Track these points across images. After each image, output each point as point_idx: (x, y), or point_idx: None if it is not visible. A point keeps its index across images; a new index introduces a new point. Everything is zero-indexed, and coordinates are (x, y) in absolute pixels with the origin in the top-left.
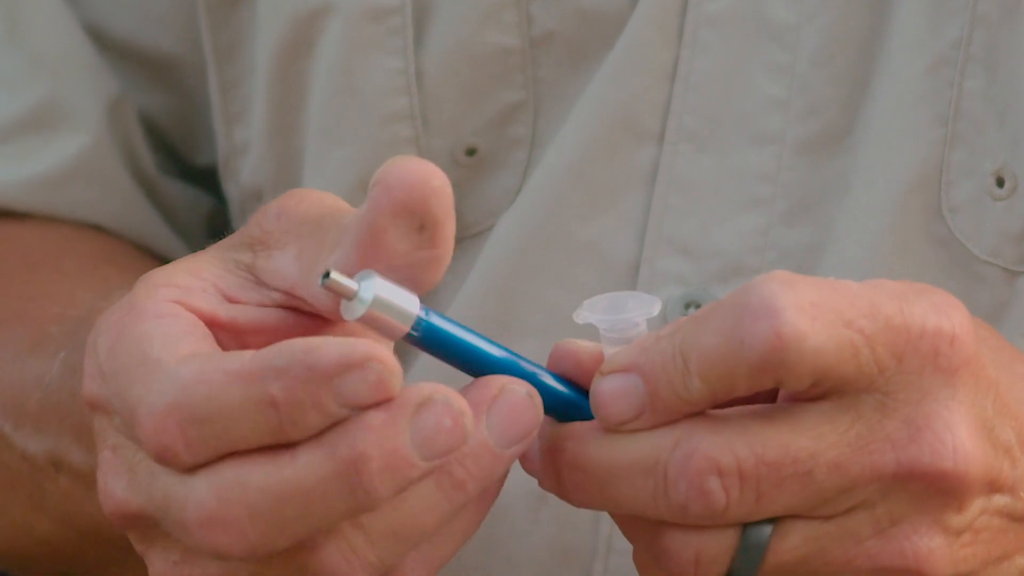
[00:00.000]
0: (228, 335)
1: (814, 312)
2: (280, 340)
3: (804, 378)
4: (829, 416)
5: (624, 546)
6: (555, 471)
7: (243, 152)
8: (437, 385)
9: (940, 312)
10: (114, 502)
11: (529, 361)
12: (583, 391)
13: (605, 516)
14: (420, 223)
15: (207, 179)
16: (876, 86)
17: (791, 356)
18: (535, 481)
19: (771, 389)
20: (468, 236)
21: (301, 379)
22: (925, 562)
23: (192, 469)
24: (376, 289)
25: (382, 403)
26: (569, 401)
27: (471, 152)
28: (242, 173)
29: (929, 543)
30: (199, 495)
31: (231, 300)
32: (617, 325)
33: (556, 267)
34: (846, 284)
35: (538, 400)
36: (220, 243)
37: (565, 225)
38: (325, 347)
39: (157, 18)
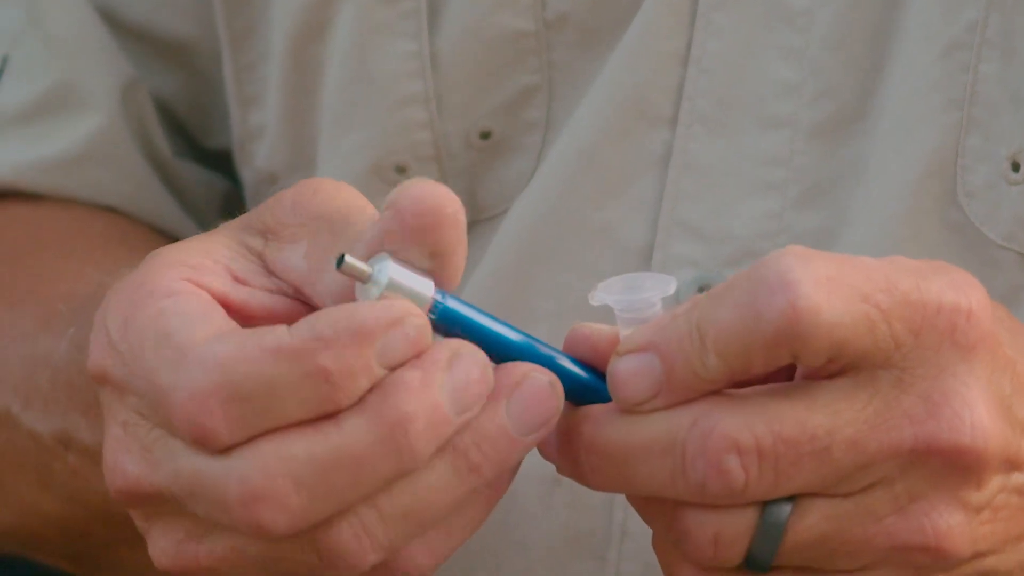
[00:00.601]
0: (238, 318)
1: (830, 286)
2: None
3: (820, 352)
4: (846, 393)
5: (638, 531)
6: (572, 455)
7: (258, 136)
8: (458, 340)
9: (957, 288)
10: (124, 479)
11: (546, 345)
12: (600, 374)
13: (619, 500)
14: (430, 251)
15: (221, 162)
16: (890, 70)
17: (807, 329)
18: (548, 465)
19: (788, 370)
20: (482, 220)
21: (350, 345)
22: (945, 539)
23: (227, 449)
24: (390, 272)
25: (416, 358)
26: (586, 384)
27: (485, 135)
28: (257, 157)
29: (948, 520)
30: (242, 472)
31: (241, 283)
32: (633, 305)
33: (569, 251)
34: (863, 259)
35: (559, 389)
36: (231, 223)
37: (578, 209)
38: (365, 309)
39: (171, 2)
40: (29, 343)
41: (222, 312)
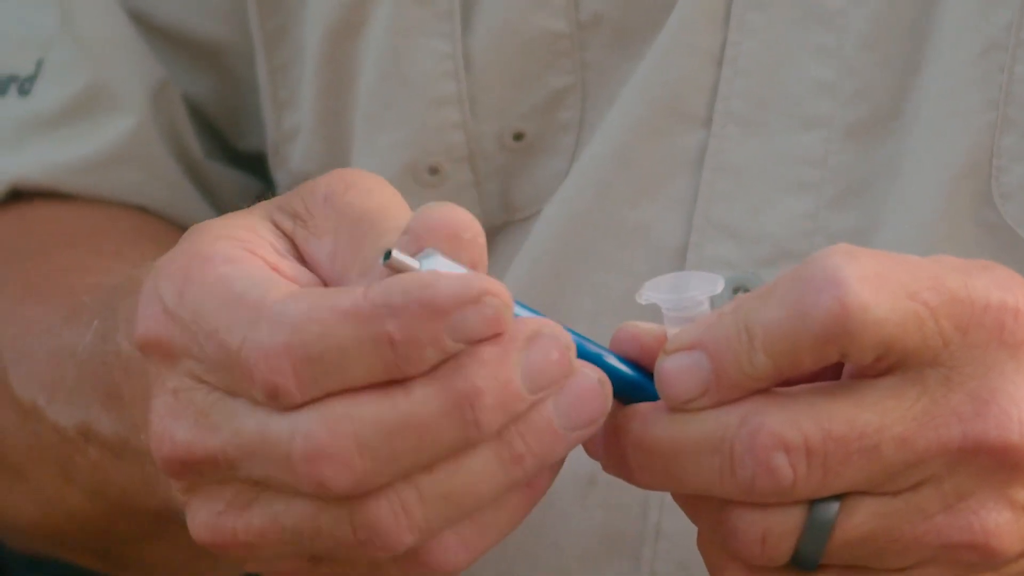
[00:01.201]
0: None
1: (878, 283)
2: None
3: (868, 350)
4: (894, 391)
5: (673, 531)
6: (620, 453)
7: (292, 138)
8: (543, 319)
9: (1004, 287)
10: (172, 446)
11: (594, 343)
12: (647, 373)
13: (654, 501)
14: None
15: (254, 164)
16: (925, 70)
17: (855, 326)
18: (584, 466)
19: (835, 369)
20: (516, 221)
21: (418, 316)
22: (993, 536)
23: (297, 407)
24: (438, 267)
25: (496, 336)
26: (633, 383)
27: (519, 137)
28: (292, 159)
29: (997, 518)
30: (308, 429)
31: (284, 258)
32: (681, 304)
33: (604, 251)
34: (909, 257)
35: (608, 388)
36: (264, 203)
37: (613, 209)
38: (441, 283)
39: (203, 4)
40: (55, 336)
41: (282, 278)
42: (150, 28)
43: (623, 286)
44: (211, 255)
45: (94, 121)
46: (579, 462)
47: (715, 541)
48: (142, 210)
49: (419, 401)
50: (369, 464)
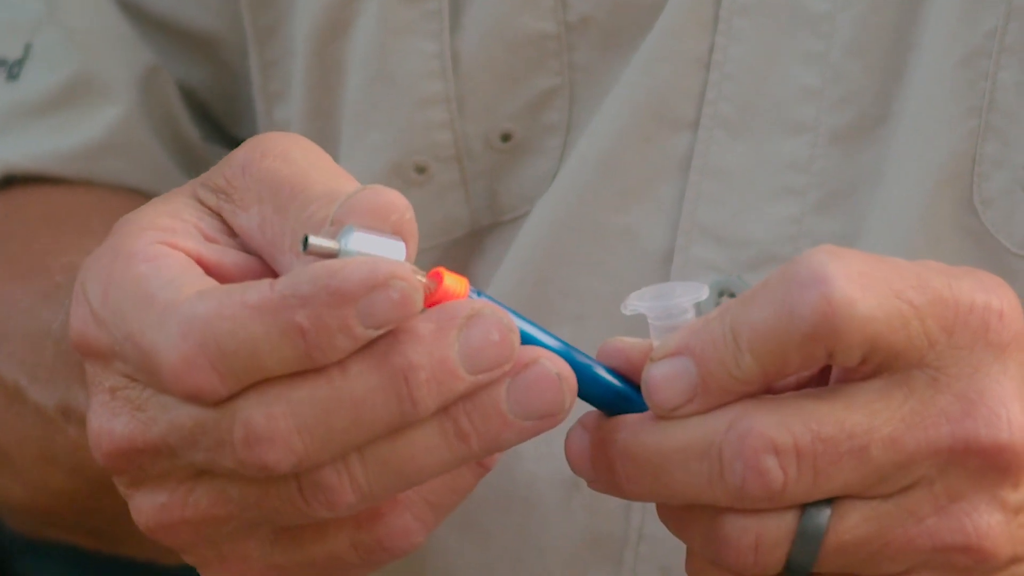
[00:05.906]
0: (215, 276)
1: (863, 281)
2: None
3: (855, 347)
4: (882, 393)
5: (655, 534)
6: (607, 464)
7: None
8: (487, 301)
9: (987, 289)
10: (111, 441)
11: (584, 354)
12: (635, 386)
13: (637, 504)
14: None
15: None
16: (910, 76)
17: (841, 323)
18: (567, 469)
19: (821, 379)
20: (503, 222)
21: (327, 304)
22: (986, 538)
23: (225, 400)
24: (353, 244)
25: (435, 311)
26: (621, 394)
27: (506, 137)
28: None
29: (989, 519)
30: (246, 416)
31: (212, 241)
32: (666, 311)
33: (590, 254)
34: (893, 259)
35: (569, 384)
36: (191, 181)
37: (599, 212)
38: (348, 269)
39: None
40: (34, 317)
41: (200, 271)
42: (143, 18)
43: (609, 289)
44: (133, 253)
45: (82, 110)
46: (562, 466)
47: (706, 557)
48: (134, 192)
49: (355, 377)
50: (309, 442)
